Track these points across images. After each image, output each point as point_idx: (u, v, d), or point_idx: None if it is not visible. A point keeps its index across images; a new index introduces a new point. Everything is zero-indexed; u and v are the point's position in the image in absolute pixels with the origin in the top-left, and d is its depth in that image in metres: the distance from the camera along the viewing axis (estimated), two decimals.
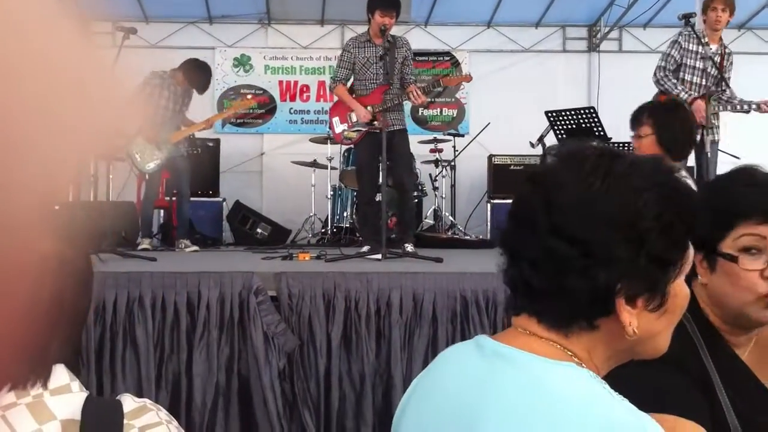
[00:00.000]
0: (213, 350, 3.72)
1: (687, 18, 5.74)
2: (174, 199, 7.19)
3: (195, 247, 6.68)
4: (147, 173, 6.61)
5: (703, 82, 5.82)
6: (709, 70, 5.79)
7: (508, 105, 9.80)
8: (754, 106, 5.71)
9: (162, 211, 8.29)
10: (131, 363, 3.67)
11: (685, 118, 3.84)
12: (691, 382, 1.39)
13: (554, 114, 7.18)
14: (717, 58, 5.80)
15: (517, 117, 9.29)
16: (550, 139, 7.30)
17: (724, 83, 5.76)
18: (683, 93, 5.74)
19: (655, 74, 5.96)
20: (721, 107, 5.74)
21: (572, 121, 7.08)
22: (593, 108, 7.30)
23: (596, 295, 1.03)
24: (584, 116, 7.05)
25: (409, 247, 5.64)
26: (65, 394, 1.07)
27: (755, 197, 1.47)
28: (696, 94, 5.78)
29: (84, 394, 1.09)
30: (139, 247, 6.26)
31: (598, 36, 10.45)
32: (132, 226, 6.93)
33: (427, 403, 1.14)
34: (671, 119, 3.69)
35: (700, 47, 5.82)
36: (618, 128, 8.44)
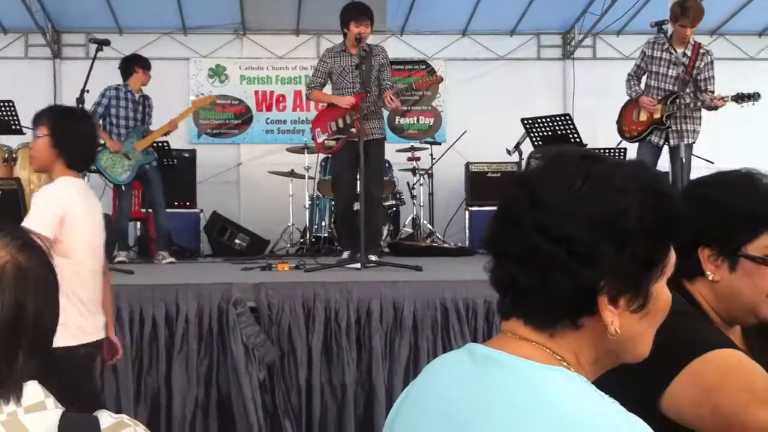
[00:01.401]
0: (192, 363, 3.68)
1: (659, 25, 5.82)
2: (150, 210, 7.14)
3: (171, 259, 6.63)
4: (122, 185, 6.58)
5: (669, 87, 5.97)
6: (675, 74, 5.94)
7: (484, 113, 9.82)
8: (707, 102, 5.84)
9: (138, 223, 8.22)
10: (109, 377, 3.63)
11: (85, 131, 3.33)
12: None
13: (530, 121, 7.22)
14: (686, 61, 5.92)
15: (493, 124, 9.32)
16: (527, 146, 7.34)
17: (693, 85, 5.88)
18: (633, 94, 6.12)
19: (625, 81, 6.24)
20: (677, 108, 5.86)
21: (548, 128, 7.13)
22: (568, 115, 7.36)
23: (580, 292, 1.05)
24: (560, 123, 7.10)
25: (373, 258, 5.54)
26: (40, 411, 1.05)
27: None
28: (657, 97, 5.99)
29: (59, 411, 1.07)
30: (116, 260, 6.19)
31: (573, 43, 10.52)
32: (108, 238, 6.84)
33: (420, 410, 1.14)
34: (69, 126, 3.22)
35: (665, 53, 5.98)
36: (594, 134, 8.54)
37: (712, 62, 6.01)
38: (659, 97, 6.00)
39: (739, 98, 5.82)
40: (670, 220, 1.10)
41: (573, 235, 1.04)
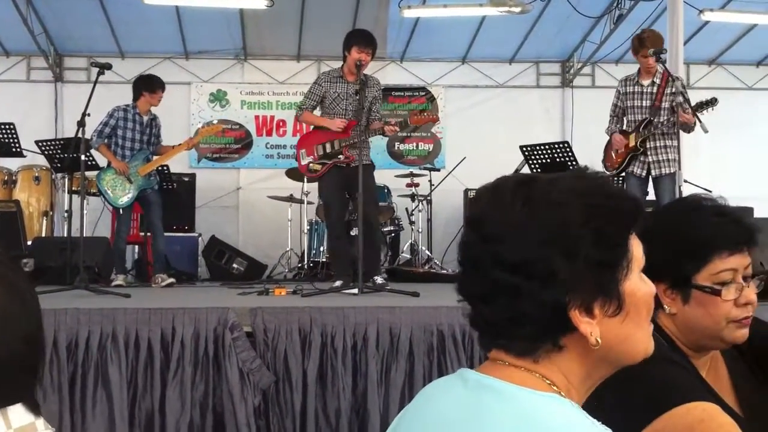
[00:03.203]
0: (187, 387, 3.66)
1: (657, 54, 5.85)
2: (149, 234, 7.14)
3: (171, 280, 6.63)
4: (121, 208, 6.58)
5: (645, 116, 6.15)
6: (648, 104, 6.13)
7: (483, 139, 9.88)
8: (672, 122, 5.95)
9: (137, 246, 8.22)
10: (103, 401, 3.61)
11: None
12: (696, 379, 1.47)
13: (529, 148, 7.25)
14: (654, 89, 6.12)
15: (492, 151, 9.36)
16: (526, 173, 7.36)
17: (667, 113, 6.02)
18: (609, 132, 6.42)
19: None
20: (653, 131, 6.03)
21: (547, 156, 7.15)
22: (567, 142, 7.39)
23: (549, 314, 1.05)
24: (558, 150, 7.13)
25: (379, 279, 5.61)
26: None
27: (725, 229, 1.53)
28: (630, 129, 6.24)
29: None
30: (113, 284, 6.18)
31: (571, 72, 10.60)
32: (106, 261, 6.86)
33: None
34: None
35: (636, 87, 6.22)
36: (592, 162, 8.52)
37: (683, 86, 6.13)
38: (632, 130, 6.20)
39: (698, 107, 5.90)
40: (620, 217, 1.09)
41: (525, 259, 1.04)
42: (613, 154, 6.34)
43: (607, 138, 6.52)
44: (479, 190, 1.17)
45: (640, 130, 6.09)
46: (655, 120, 6.04)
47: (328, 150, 5.88)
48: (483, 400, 1.06)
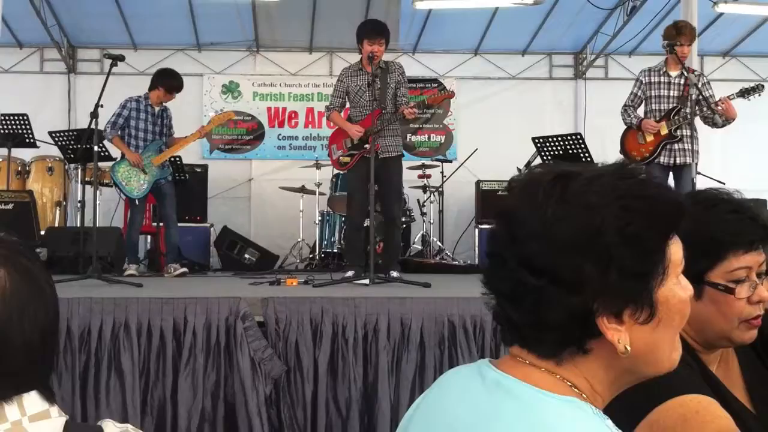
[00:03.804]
0: (199, 376, 3.69)
1: (672, 46, 5.83)
2: (161, 224, 7.17)
3: (183, 269, 6.66)
4: (136, 199, 6.60)
5: (671, 107, 6.11)
6: (677, 94, 6.09)
7: (495, 131, 9.85)
8: (713, 107, 5.95)
9: (149, 236, 8.26)
10: (116, 389, 3.64)
11: None
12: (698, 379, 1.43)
13: (541, 140, 7.23)
14: (682, 81, 6.09)
15: (504, 143, 9.34)
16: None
17: (689, 103, 5.98)
18: (634, 119, 6.23)
19: (621, 113, 6.35)
20: (684, 120, 5.99)
21: (559, 147, 7.13)
22: (580, 134, 7.37)
23: (575, 319, 1.00)
24: (571, 142, 7.10)
25: (395, 273, 5.63)
26: (45, 420, 1.06)
27: (741, 227, 1.49)
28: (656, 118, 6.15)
29: (63, 419, 1.08)
30: (125, 273, 6.22)
31: (584, 63, 10.55)
32: (119, 251, 6.89)
33: (427, 425, 1.11)
34: None
35: (663, 77, 6.17)
36: (605, 154, 8.50)
37: (708, 82, 6.16)
38: (657, 119, 6.15)
39: (745, 93, 5.95)
40: (659, 221, 1.03)
41: (553, 264, 1.00)
42: (641, 141, 6.21)
43: (623, 129, 6.45)
44: (512, 181, 1.11)
45: (672, 118, 6.04)
46: (687, 110, 5.99)
47: (356, 141, 5.91)
48: (499, 400, 1.03)
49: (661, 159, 6.10)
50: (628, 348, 1.00)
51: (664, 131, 6.05)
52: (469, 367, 1.13)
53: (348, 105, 6.13)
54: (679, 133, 6.04)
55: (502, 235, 1.06)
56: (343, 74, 6.09)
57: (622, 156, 6.32)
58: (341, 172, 6.80)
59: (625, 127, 6.37)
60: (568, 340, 1.02)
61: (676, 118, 6.03)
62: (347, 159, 5.96)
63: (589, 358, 1.03)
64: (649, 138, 6.13)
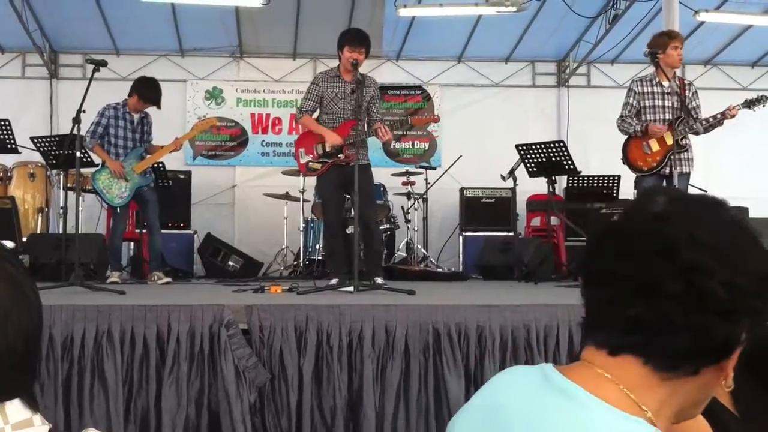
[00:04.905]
0: (183, 384, 3.66)
1: (653, 54, 5.86)
2: (144, 231, 7.12)
3: (168, 279, 6.60)
4: (118, 207, 6.54)
5: (668, 116, 5.99)
6: (671, 104, 5.97)
7: (479, 138, 9.90)
8: (718, 116, 5.91)
9: (132, 243, 8.21)
10: (99, 397, 3.61)
11: None
12: None
13: (525, 147, 7.26)
14: (676, 89, 6.00)
15: (488, 150, 9.39)
16: (521, 172, 7.37)
17: (685, 112, 5.95)
18: (637, 126, 6.03)
19: (617, 124, 6.18)
20: (688, 129, 5.92)
21: (542, 155, 7.17)
22: (563, 141, 7.40)
23: (729, 339, 0.99)
24: (554, 150, 7.14)
25: (379, 280, 5.63)
26: (28, 428, 1.05)
27: None
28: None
29: (46, 427, 1.07)
30: (108, 281, 6.17)
31: (567, 71, 10.62)
32: (101, 258, 6.85)
33: (481, 421, 1.09)
34: None
35: (656, 87, 6.07)
36: (587, 161, 8.59)
37: (696, 92, 6.15)
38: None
39: (750, 103, 5.90)
40: None
41: (740, 283, 0.97)
42: (646, 152, 6.03)
43: (605, 136, 6.42)
44: (659, 190, 1.07)
45: (677, 128, 5.85)
46: (690, 120, 5.93)
47: (327, 149, 5.86)
48: (564, 408, 1.00)
49: (665, 169, 5.94)
50: (732, 384, 1.02)
51: (670, 141, 5.86)
52: (529, 369, 1.11)
53: (318, 110, 6.07)
54: (684, 142, 5.94)
55: (675, 234, 1.00)
56: (319, 78, 6.00)
57: (625, 165, 6.24)
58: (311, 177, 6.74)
59: (626, 137, 6.17)
60: (701, 356, 1.00)
61: (680, 128, 5.88)
62: (317, 165, 5.92)
63: (689, 381, 1.01)
64: (656, 147, 5.98)
